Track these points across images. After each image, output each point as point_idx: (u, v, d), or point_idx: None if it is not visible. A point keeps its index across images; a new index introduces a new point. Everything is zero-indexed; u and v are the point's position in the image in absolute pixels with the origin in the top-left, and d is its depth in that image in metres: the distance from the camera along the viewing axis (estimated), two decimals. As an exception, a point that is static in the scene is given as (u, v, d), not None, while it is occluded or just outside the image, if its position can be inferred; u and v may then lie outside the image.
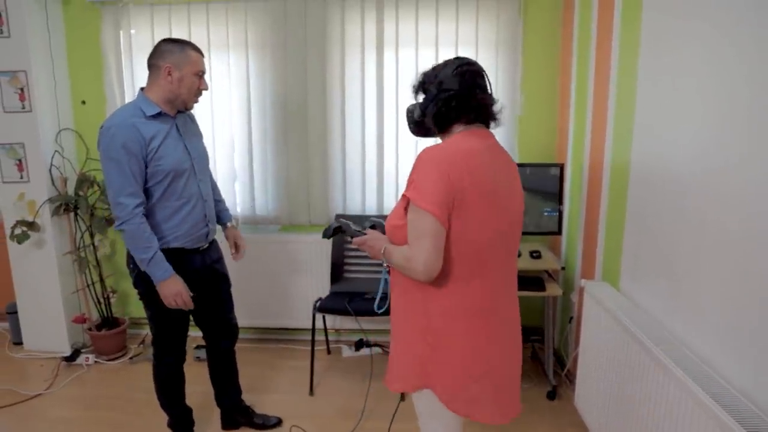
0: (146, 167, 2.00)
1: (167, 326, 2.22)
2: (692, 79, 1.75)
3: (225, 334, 2.47)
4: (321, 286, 3.36)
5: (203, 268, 2.25)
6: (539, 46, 3.12)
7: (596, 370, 2.28)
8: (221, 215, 2.46)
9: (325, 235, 1.81)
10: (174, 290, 2.05)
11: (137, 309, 3.55)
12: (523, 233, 2.65)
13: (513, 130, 3.19)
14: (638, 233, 2.15)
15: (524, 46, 3.11)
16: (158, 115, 2.04)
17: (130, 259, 2.11)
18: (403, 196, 1.44)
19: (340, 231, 1.77)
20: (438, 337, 1.46)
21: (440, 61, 1.57)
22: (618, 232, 2.32)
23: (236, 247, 2.48)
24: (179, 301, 2.07)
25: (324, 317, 3.08)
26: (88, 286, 3.30)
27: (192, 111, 2.29)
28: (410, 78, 3.09)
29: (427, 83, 1.53)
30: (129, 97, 3.25)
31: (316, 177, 3.29)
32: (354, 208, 3.34)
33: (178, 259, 2.11)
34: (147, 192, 2.03)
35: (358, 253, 3.25)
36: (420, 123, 1.56)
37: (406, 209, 1.44)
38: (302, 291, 3.39)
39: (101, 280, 3.31)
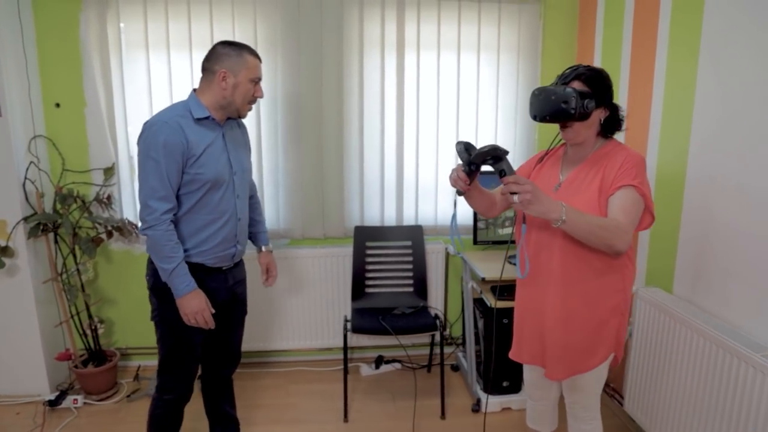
0: (183, 173, 1.84)
1: (177, 351, 1.98)
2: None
3: (228, 362, 2.24)
4: (337, 303, 3.17)
5: (222, 290, 2.05)
6: (557, 51, 3.12)
7: (652, 373, 2.30)
8: (258, 237, 2.29)
9: (469, 156, 1.57)
10: (195, 306, 1.87)
11: (123, 338, 3.18)
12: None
13: (533, 135, 3.17)
14: (699, 239, 2.18)
15: (543, 51, 3.10)
16: (206, 120, 1.89)
17: (149, 269, 1.94)
18: (615, 187, 1.63)
19: (485, 160, 1.53)
20: (626, 305, 1.77)
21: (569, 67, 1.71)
22: (670, 238, 2.35)
23: (268, 273, 2.31)
24: (200, 319, 1.89)
25: (345, 336, 2.88)
26: (72, 317, 2.86)
27: (244, 123, 2.15)
28: (432, 82, 3.01)
29: (601, 85, 1.66)
30: (118, 99, 2.86)
31: (332, 186, 3.08)
32: (372, 219, 3.16)
33: (196, 275, 1.91)
34: (178, 200, 1.87)
35: (380, 267, 3.09)
36: (583, 114, 1.62)
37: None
38: (316, 310, 3.17)
39: (87, 309, 2.89)
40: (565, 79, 1.67)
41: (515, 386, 2.84)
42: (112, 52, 2.81)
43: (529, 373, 2.02)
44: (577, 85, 1.64)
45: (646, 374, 2.37)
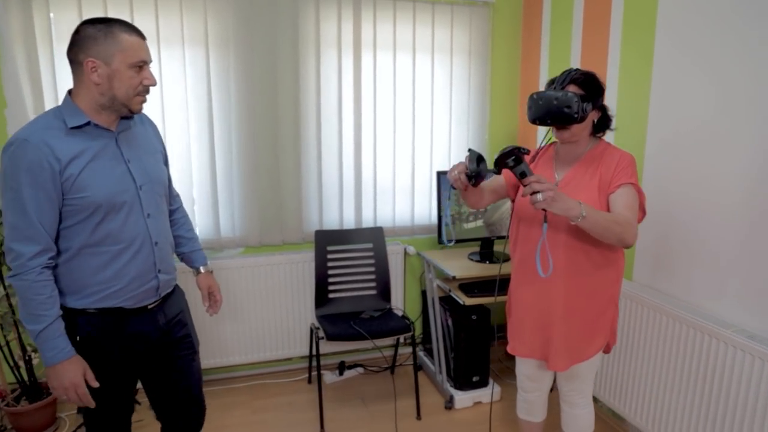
0: (63, 200, 1.45)
1: (99, 404, 1.59)
2: (726, 73, 1.96)
3: (187, 416, 1.82)
4: (298, 311, 3.06)
5: (153, 332, 1.66)
6: (506, 52, 3.23)
7: (620, 355, 2.46)
8: (193, 257, 1.92)
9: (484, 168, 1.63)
10: (67, 381, 1.46)
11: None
12: (499, 237, 3.03)
13: (484, 135, 3.26)
14: (658, 228, 2.34)
15: (492, 53, 3.19)
16: (87, 127, 1.48)
17: None
18: (613, 185, 1.72)
19: (506, 162, 1.56)
20: (618, 295, 1.86)
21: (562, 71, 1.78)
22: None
23: (210, 298, 1.93)
24: (72, 396, 1.47)
25: (316, 344, 2.77)
26: (1, 347, 2.50)
27: (148, 116, 1.72)
28: (388, 83, 2.99)
29: (594, 88, 1.73)
30: (49, 99, 2.53)
31: (289, 190, 2.95)
32: (331, 222, 3.08)
33: (116, 322, 1.57)
34: (68, 234, 1.48)
35: (342, 271, 3.01)
36: (583, 117, 1.68)
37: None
38: (276, 319, 3.03)
39: (19, 338, 2.53)
40: (561, 84, 1.73)
41: (484, 381, 2.90)
42: (40, 46, 2.49)
43: (522, 366, 2.06)
44: (572, 88, 1.71)
45: (613, 357, 2.52)
